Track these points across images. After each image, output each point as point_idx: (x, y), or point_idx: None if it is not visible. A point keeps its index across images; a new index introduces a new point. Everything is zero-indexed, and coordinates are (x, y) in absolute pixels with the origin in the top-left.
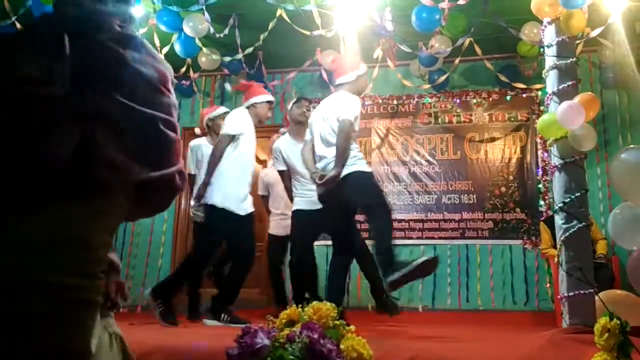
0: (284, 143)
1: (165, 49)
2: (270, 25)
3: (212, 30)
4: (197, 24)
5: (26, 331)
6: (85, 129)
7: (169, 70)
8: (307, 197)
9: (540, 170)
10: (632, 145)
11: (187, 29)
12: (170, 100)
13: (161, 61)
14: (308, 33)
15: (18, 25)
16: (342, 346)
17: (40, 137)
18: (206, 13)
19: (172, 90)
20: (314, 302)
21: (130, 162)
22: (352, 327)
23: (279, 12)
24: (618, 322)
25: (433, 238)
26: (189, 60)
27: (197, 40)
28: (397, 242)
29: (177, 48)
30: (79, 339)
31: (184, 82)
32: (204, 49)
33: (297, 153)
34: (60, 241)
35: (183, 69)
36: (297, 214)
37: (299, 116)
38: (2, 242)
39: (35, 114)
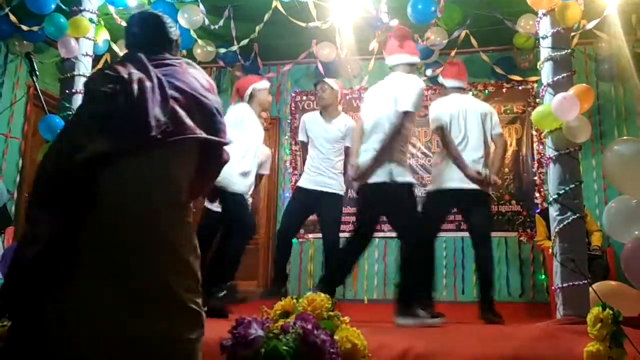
0: (311, 116)
1: None
2: (266, 17)
3: (207, 21)
4: (192, 16)
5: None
6: (171, 105)
7: (211, 80)
8: (310, 176)
9: (535, 162)
10: (625, 137)
11: (182, 21)
12: (218, 99)
13: (205, 74)
14: (304, 25)
15: (12, 17)
16: (336, 337)
17: (149, 106)
18: (201, 4)
19: (216, 91)
20: (309, 294)
21: (198, 127)
22: (347, 319)
23: (274, 3)
24: (610, 312)
25: None
26: (184, 52)
27: (192, 32)
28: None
29: None
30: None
31: None
32: (199, 41)
33: (319, 129)
34: (157, 171)
35: None
36: (297, 190)
37: (319, 100)
38: (124, 172)
39: (143, 94)
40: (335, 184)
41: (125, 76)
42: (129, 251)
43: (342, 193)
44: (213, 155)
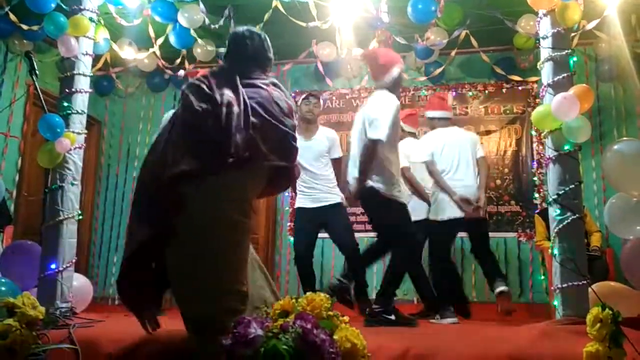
0: None
1: (160, 40)
2: (266, 17)
3: (207, 21)
4: (192, 15)
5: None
6: (250, 133)
7: (293, 103)
8: (309, 196)
9: (535, 162)
10: (624, 138)
11: (182, 20)
12: (294, 122)
13: (289, 97)
14: (304, 24)
15: (12, 16)
16: (335, 336)
17: (232, 133)
18: (201, 4)
19: (295, 116)
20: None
21: (271, 153)
22: (346, 318)
23: (274, 3)
24: (610, 312)
25: None
26: (184, 51)
27: (192, 32)
28: None
29: (172, 39)
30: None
31: (179, 73)
32: (199, 40)
33: (302, 149)
34: (231, 191)
35: (178, 61)
36: (299, 212)
37: (306, 114)
38: (206, 187)
39: (229, 120)
40: (334, 196)
41: (217, 98)
42: (199, 253)
43: (342, 201)
44: (283, 174)
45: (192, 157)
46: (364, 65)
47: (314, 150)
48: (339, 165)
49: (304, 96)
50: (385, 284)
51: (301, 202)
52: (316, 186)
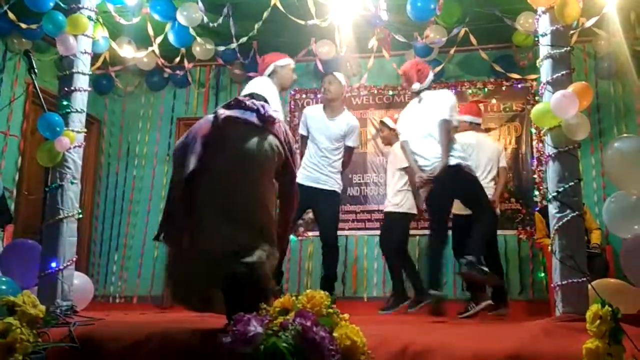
0: (313, 110)
1: (159, 39)
2: (265, 15)
3: (206, 19)
4: (191, 13)
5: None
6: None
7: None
8: (307, 172)
9: (535, 160)
10: (624, 135)
11: (181, 18)
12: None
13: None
14: (303, 22)
15: (10, 15)
16: (335, 334)
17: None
18: (200, 2)
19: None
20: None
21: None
22: (346, 316)
23: (273, 1)
24: (610, 309)
25: (427, 228)
26: (183, 50)
27: (191, 30)
28: None
29: (171, 37)
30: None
31: (178, 72)
32: (198, 39)
33: (320, 125)
34: (266, 201)
35: (177, 59)
36: None
37: (324, 93)
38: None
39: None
40: (331, 182)
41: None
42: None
43: (339, 190)
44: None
45: None
46: (363, 63)
47: (331, 130)
48: (349, 153)
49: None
50: (473, 244)
51: (298, 177)
52: (318, 164)
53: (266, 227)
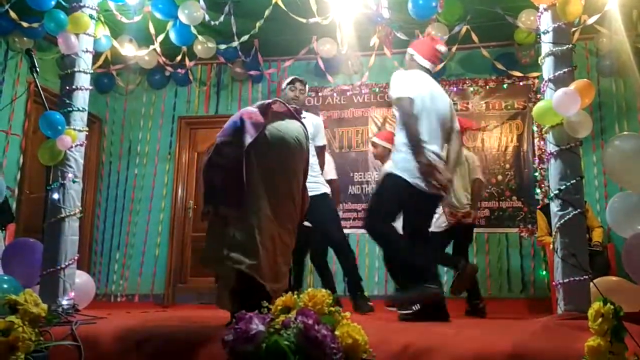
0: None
1: (161, 37)
2: (266, 13)
3: (207, 17)
4: (192, 12)
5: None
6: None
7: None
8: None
9: (536, 158)
10: (625, 132)
11: (182, 17)
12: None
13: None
14: (304, 20)
15: (12, 13)
16: (337, 332)
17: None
18: (201, 0)
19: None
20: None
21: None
22: (348, 314)
23: None
24: (612, 307)
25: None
26: (184, 48)
27: (192, 28)
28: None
29: (172, 36)
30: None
31: (179, 70)
32: (200, 37)
33: None
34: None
35: (178, 57)
36: None
37: (291, 100)
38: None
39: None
40: (317, 185)
41: None
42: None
43: (327, 191)
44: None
45: None
46: (365, 61)
47: None
48: (322, 153)
49: (288, 80)
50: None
51: None
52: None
53: None
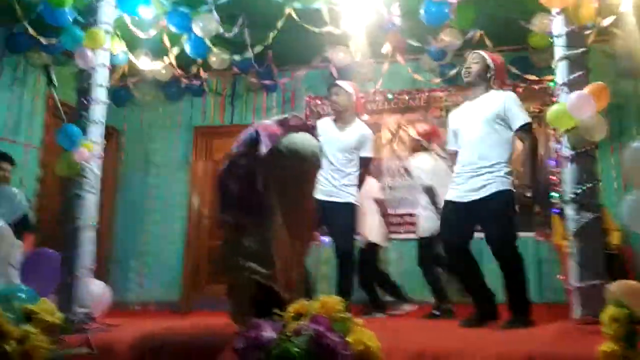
0: (324, 122)
1: (175, 50)
2: (279, 24)
3: (221, 30)
4: (206, 25)
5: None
6: None
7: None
8: (320, 186)
9: (553, 161)
10: None
11: (197, 29)
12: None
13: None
14: (317, 30)
15: (30, 30)
16: (349, 339)
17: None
18: (215, 13)
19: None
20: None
21: None
22: (360, 321)
23: (287, 10)
24: (626, 311)
25: None
26: (199, 60)
27: (206, 41)
28: (408, 236)
29: (187, 49)
30: None
31: (194, 81)
32: (214, 49)
33: (331, 137)
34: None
35: (194, 69)
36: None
37: (332, 105)
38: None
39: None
40: (347, 195)
41: None
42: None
43: (355, 202)
44: None
45: None
46: (378, 68)
47: (342, 141)
48: (366, 164)
49: (328, 87)
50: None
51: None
52: (331, 179)
53: None
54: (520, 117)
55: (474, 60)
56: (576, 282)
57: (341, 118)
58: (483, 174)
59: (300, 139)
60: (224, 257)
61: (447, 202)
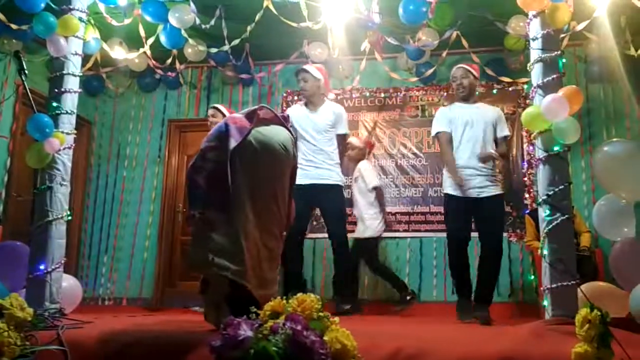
0: (296, 109)
1: (151, 40)
2: (257, 17)
3: (198, 21)
4: (182, 15)
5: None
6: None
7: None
8: (306, 170)
9: (525, 163)
10: (615, 139)
11: (173, 20)
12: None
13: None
14: (295, 25)
15: (0, 16)
16: (326, 337)
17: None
18: (192, 4)
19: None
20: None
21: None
22: (337, 319)
23: (265, 3)
24: (599, 313)
25: (419, 231)
26: (174, 51)
27: (183, 32)
28: (384, 235)
29: (163, 39)
30: None
31: (170, 73)
32: (190, 40)
33: (306, 121)
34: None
35: (169, 61)
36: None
37: (302, 91)
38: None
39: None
40: (334, 175)
41: None
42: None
43: (342, 184)
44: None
45: None
46: (356, 65)
47: (317, 123)
48: (343, 141)
49: (296, 73)
50: None
51: (297, 178)
52: (315, 160)
53: None
54: (505, 129)
55: (463, 76)
56: (548, 282)
57: (311, 102)
58: (485, 175)
59: (270, 131)
60: (193, 253)
61: (452, 197)
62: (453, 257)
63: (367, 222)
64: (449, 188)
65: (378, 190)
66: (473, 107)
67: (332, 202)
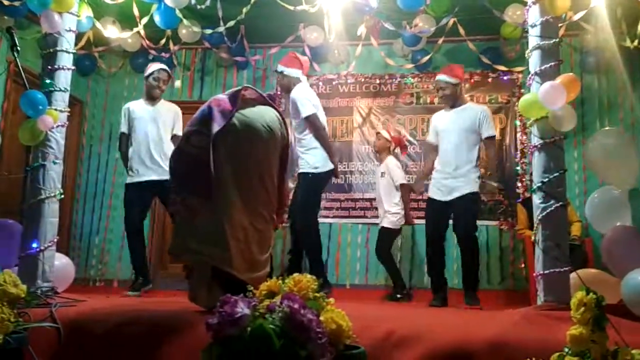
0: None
1: (145, 20)
2: None
3: (192, 1)
4: None
5: None
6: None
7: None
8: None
9: (518, 152)
10: (607, 128)
11: (168, 0)
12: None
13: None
14: (291, 8)
15: None
16: (321, 317)
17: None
18: None
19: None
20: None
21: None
22: (332, 300)
23: None
24: (594, 296)
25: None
26: (168, 32)
27: (177, 12)
28: (374, 221)
29: (157, 19)
30: None
31: (163, 54)
32: (185, 21)
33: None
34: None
35: (163, 41)
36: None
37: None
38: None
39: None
40: (302, 163)
41: None
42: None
43: (311, 171)
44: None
45: None
46: (352, 50)
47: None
48: (308, 124)
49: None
50: None
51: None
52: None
53: None
54: (489, 130)
55: (442, 87)
56: (540, 268)
57: (286, 94)
58: (460, 177)
59: (254, 112)
60: (176, 239)
61: (430, 199)
62: (428, 255)
63: (388, 215)
64: (429, 191)
65: (404, 187)
66: (454, 114)
67: (299, 191)
